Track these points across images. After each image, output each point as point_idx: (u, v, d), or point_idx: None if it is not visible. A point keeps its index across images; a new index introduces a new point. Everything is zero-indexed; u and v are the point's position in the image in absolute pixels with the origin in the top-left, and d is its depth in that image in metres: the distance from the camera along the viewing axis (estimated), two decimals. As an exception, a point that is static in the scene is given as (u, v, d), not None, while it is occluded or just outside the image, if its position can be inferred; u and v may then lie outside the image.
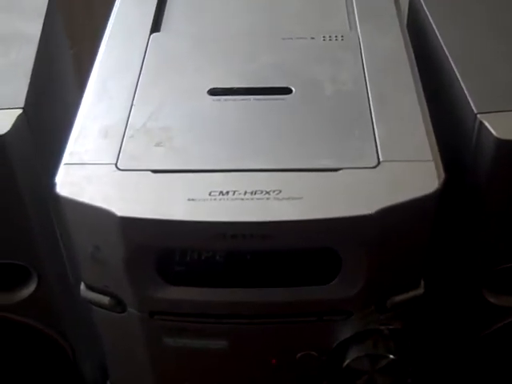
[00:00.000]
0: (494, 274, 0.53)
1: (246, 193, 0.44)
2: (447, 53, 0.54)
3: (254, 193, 0.44)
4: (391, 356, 0.49)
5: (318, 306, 0.48)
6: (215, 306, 0.48)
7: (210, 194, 0.44)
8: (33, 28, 0.57)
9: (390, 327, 0.49)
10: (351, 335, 0.49)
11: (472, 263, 0.53)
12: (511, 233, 0.50)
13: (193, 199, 0.44)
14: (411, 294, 0.49)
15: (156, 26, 0.60)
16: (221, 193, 0.44)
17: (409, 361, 0.51)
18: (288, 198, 0.44)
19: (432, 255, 0.49)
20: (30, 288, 0.56)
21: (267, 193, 0.44)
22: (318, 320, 0.48)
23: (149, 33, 0.58)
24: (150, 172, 0.46)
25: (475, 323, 0.56)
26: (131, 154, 0.47)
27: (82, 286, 0.50)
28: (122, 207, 0.44)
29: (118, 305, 0.49)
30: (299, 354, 0.50)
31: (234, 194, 0.44)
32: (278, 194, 0.44)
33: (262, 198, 0.44)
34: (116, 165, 0.46)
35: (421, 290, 0.49)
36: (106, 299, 0.49)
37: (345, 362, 0.49)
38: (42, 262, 0.55)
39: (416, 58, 0.55)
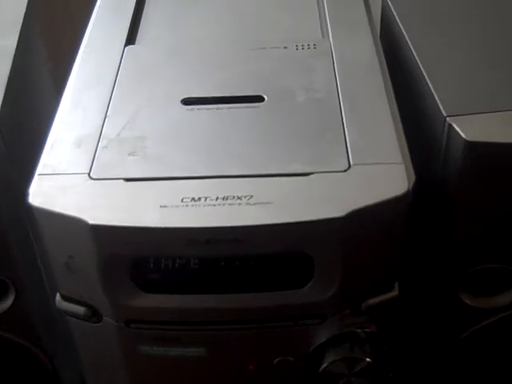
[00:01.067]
0: (469, 276, 0.53)
1: (217, 198, 0.44)
2: (417, 58, 0.55)
3: (225, 198, 0.44)
4: (368, 359, 0.49)
5: (293, 310, 0.48)
6: (191, 312, 0.48)
7: (182, 201, 0.44)
8: (8, 40, 0.57)
9: (366, 330, 0.49)
10: (327, 339, 0.49)
11: (446, 266, 0.53)
12: (483, 234, 0.51)
13: (165, 206, 0.44)
14: (385, 296, 0.49)
15: (131, 39, 0.60)
16: (193, 199, 0.44)
17: (388, 365, 0.51)
18: (260, 203, 0.44)
19: (407, 258, 0.50)
20: (8, 302, 0.56)
21: (239, 198, 0.44)
22: (294, 324, 0.48)
23: (123, 45, 0.58)
24: (122, 180, 0.46)
25: (452, 326, 0.56)
26: (104, 163, 0.47)
27: (58, 297, 0.50)
28: (94, 215, 0.44)
29: (94, 315, 0.49)
30: (276, 360, 0.50)
31: (205, 200, 0.44)
32: (249, 199, 0.44)
33: (233, 204, 0.44)
34: (89, 174, 0.46)
35: (395, 293, 0.49)
36: (81, 309, 0.49)
37: (322, 366, 0.49)
38: (20, 275, 0.55)
39: (388, 64, 0.56)
